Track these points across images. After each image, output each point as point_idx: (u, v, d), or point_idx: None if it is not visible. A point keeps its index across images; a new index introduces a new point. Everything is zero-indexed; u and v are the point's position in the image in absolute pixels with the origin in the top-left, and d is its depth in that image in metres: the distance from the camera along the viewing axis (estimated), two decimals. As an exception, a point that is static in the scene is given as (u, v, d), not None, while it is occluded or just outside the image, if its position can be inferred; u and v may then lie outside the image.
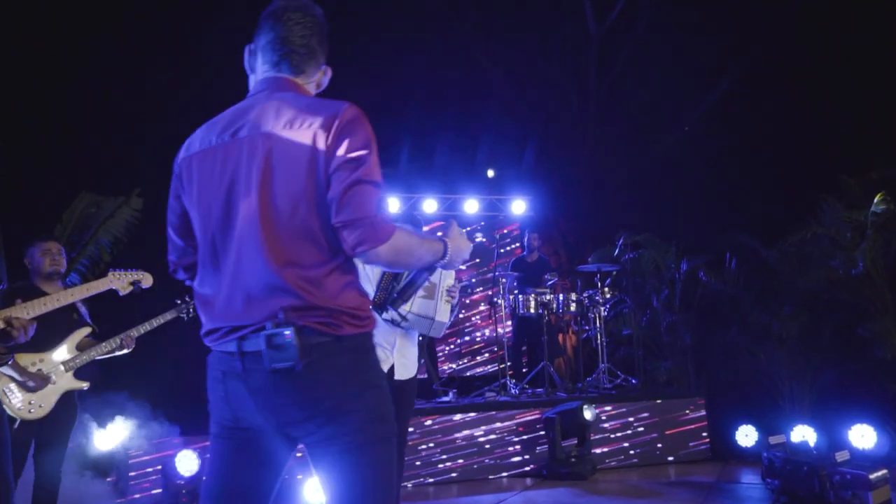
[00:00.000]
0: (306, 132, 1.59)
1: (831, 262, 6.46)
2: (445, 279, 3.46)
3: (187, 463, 5.25)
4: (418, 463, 5.70)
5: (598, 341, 7.11)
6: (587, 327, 7.45)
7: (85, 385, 3.64)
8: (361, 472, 1.60)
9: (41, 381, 3.44)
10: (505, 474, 5.83)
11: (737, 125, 9.31)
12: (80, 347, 3.64)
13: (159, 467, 5.15)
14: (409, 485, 5.60)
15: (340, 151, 1.58)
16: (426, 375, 6.92)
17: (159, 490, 5.11)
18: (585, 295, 7.06)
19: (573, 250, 9.72)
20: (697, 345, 7.37)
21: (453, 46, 10.74)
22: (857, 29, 8.53)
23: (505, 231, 9.17)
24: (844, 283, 6.38)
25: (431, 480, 5.68)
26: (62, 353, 3.58)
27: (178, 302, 4.07)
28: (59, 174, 7.11)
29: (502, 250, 7.61)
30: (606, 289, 7.12)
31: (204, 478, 1.75)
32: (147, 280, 3.66)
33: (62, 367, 3.55)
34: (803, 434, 5.61)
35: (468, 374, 8.99)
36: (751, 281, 7.19)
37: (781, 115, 8.89)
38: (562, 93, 10.79)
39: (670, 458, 6.17)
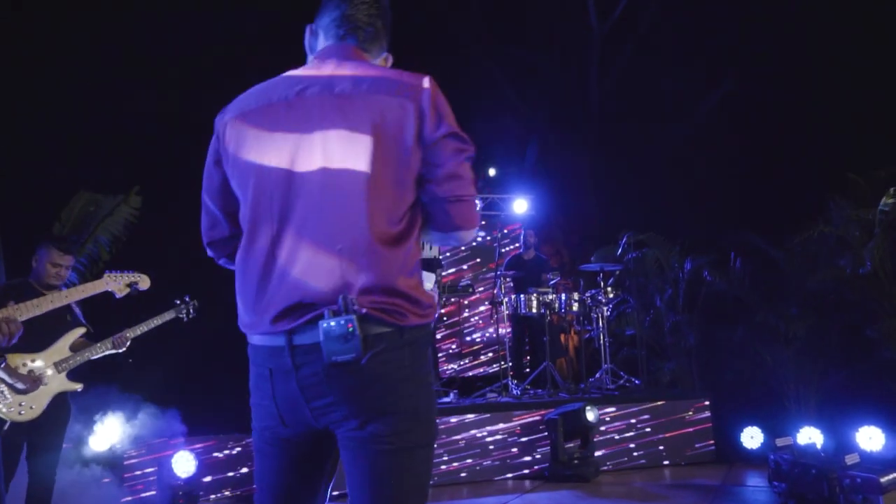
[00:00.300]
0: (394, 100, 1.49)
1: (839, 261, 6.37)
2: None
3: (184, 464, 5.18)
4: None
5: (601, 341, 7.03)
6: (589, 327, 7.37)
7: (78, 387, 3.56)
8: (400, 477, 1.48)
9: (32, 382, 3.36)
10: (507, 476, 5.74)
11: (742, 123, 9.23)
12: (74, 348, 3.57)
13: (154, 468, 5.09)
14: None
15: (443, 123, 1.50)
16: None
17: (153, 492, 5.05)
18: (588, 294, 6.97)
19: (575, 250, 9.63)
20: (701, 345, 7.28)
21: (455, 44, 10.68)
22: (864, 26, 8.44)
23: (506, 230, 9.08)
24: (852, 283, 6.29)
25: (432, 482, 5.59)
26: (55, 353, 3.50)
27: (178, 302, 4.00)
28: (58, 172, 7.05)
29: (503, 249, 7.54)
30: (609, 288, 7.04)
31: (255, 487, 1.61)
32: (144, 282, 3.58)
33: (54, 369, 3.47)
34: (810, 436, 5.51)
35: (469, 374, 8.91)
36: (756, 280, 7.10)
37: (787, 113, 8.80)
38: (564, 91, 10.72)
39: (675, 461, 6.08)
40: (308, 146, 1.49)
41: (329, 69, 1.57)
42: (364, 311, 1.41)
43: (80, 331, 3.64)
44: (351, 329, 1.38)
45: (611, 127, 10.25)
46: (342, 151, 1.47)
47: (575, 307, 6.89)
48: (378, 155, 1.46)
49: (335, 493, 4.95)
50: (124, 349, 3.69)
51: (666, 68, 9.85)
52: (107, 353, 3.64)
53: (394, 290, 1.45)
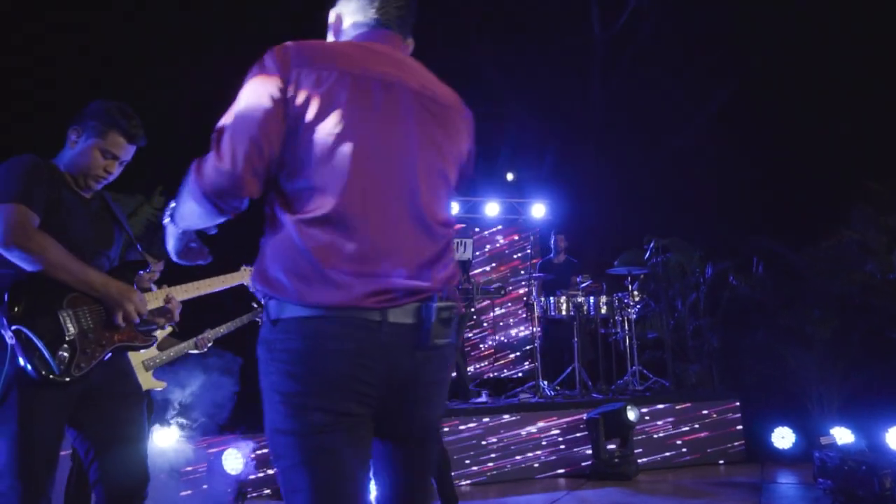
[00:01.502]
0: (455, 115, 1.65)
1: (865, 266, 6.55)
2: None
3: (233, 461, 5.22)
4: (456, 464, 5.68)
5: (627, 344, 7.16)
6: (615, 330, 7.50)
7: (162, 385, 3.58)
8: (431, 462, 1.62)
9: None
10: (547, 474, 5.83)
11: (763, 128, 9.36)
12: (161, 347, 3.59)
13: (205, 465, 5.12)
14: (461, 485, 5.58)
15: (472, 146, 1.72)
16: (458, 377, 6.91)
17: (205, 487, 5.07)
18: (615, 297, 7.10)
19: (592, 254, 9.76)
20: (724, 348, 7.43)
21: (465, 51, 10.77)
22: (886, 28, 8.54)
23: (517, 237, 9.21)
24: (876, 288, 6.47)
25: (468, 482, 5.66)
26: (144, 351, 3.51)
27: (255, 305, 4.00)
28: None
29: (530, 251, 7.68)
30: (635, 292, 7.17)
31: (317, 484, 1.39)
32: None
33: (143, 367, 3.49)
34: (841, 436, 5.67)
35: (500, 375, 8.99)
36: (778, 285, 7.26)
37: (808, 117, 8.94)
38: (581, 95, 10.86)
39: (709, 460, 6.21)
40: (408, 135, 1.52)
41: (398, 60, 1.58)
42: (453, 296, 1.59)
43: (169, 329, 3.66)
44: (455, 313, 1.56)
45: (628, 131, 10.40)
46: (438, 147, 1.58)
47: (603, 310, 7.01)
48: (454, 160, 1.64)
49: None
50: (206, 350, 3.72)
51: (683, 71, 10.00)
52: (189, 353, 3.67)
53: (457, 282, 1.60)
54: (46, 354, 2.08)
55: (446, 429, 5.71)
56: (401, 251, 1.45)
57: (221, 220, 1.54)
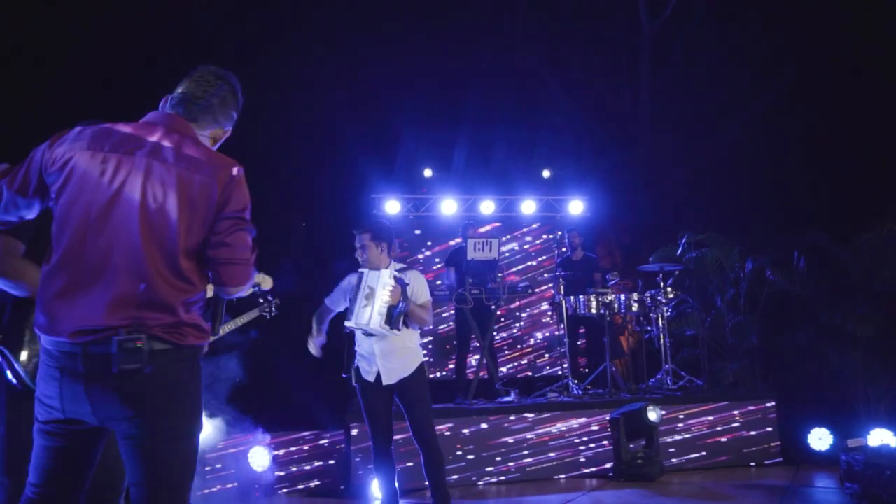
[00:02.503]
0: (203, 179, 1.90)
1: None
2: (382, 282, 3.68)
3: (260, 459, 5.42)
4: (482, 462, 5.74)
5: (661, 342, 7.02)
6: (649, 328, 7.36)
7: None
8: None
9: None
10: (570, 474, 5.81)
11: (801, 119, 9.03)
12: None
13: (233, 462, 5.34)
14: (480, 483, 5.65)
15: (229, 206, 1.93)
16: (487, 376, 6.95)
17: (234, 484, 5.29)
18: (647, 295, 6.97)
19: (630, 250, 9.60)
20: (764, 346, 7.20)
21: (507, 48, 10.74)
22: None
23: (560, 233, 9.11)
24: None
25: (495, 480, 5.70)
26: None
27: (261, 301, 4.17)
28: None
29: (563, 249, 7.59)
30: (669, 289, 7.02)
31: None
32: (267, 282, 3.68)
33: None
34: (882, 438, 5.43)
35: (529, 374, 8.99)
36: (820, 280, 6.98)
37: (849, 108, 8.57)
38: (617, 90, 10.68)
39: (740, 462, 6.04)
40: (129, 199, 1.87)
41: (157, 134, 1.95)
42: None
43: None
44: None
45: (666, 125, 10.17)
46: (160, 208, 1.88)
47: (634, 307, 6.90)
48: (187, 217, 1.89)
49: (405, 487, 5.11)
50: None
51: (721, 64, 9.72)
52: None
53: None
54: (21, 372, 2.29)
55: (468, 429, 5.77)
56: None
57: None
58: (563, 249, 7.61)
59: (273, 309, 4.16)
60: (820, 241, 6.95)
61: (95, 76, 7.09)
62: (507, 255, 9.23)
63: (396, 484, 3.97)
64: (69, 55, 7.18)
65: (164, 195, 1.87)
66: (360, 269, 3.83)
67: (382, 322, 3.65)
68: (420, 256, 9.07)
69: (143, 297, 1.82)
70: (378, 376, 3.84)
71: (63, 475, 1.93)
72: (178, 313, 1.86)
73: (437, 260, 8.97)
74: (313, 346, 3.95)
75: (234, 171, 1.96)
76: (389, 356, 3.83)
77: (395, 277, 3.72)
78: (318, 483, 5.60)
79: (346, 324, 3.77)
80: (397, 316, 3.70)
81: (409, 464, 5.29)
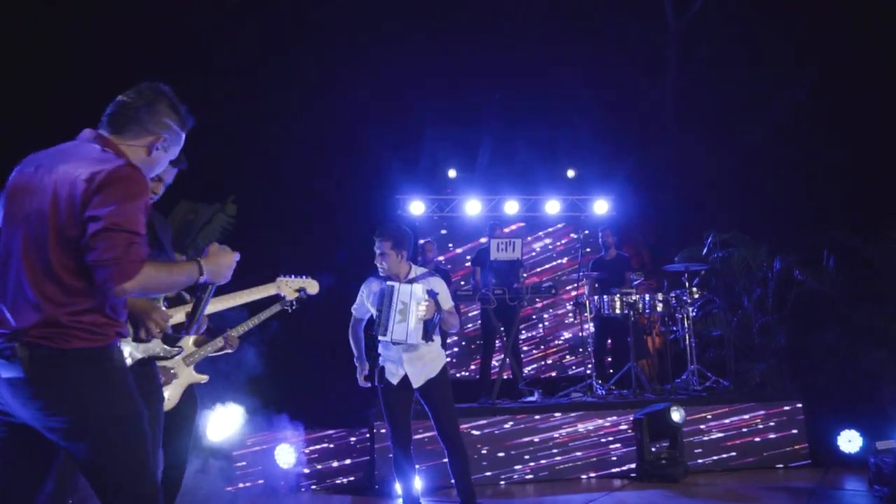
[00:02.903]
0: (73, 178, 1.91)
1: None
2: (416, 297, 3.78)
3: (286, 455, 5.51)
4: (506, 461, 5.76)
5: (686, 342, 6.96)
6: (674, 328, 7.31)
7: (205, 378, 3.84)
8: None
9: (166, 375, 3.67)
10: (594, 474, 5.81)
11: (829, 116, 8.88)
12: (198, 343, 3.87)
13: (259, 459, 5.44)
14: (503, 482, 5.68)
15: (91, 206, 1.87)
16: (511, 376, 6.97)
17: (261, 481, 5.39)
18: (672, 295, 6.92)
19: (656, 250, 9.53)
20: (792, 346, 7.10)
21: (530, 48, 10.73)
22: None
23: (587, 232, 9.09)
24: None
25: (517, 478, 5.72)
26: (184, 347, 3.79)
27: (282, 295, 4.20)
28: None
29: (588, 249, 7.57)
30: (694, 289, 6.96)
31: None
32: (313, 287, 3.68)
33: (183, 362, 3.78)
34: (912, 440, 5.33)
35: (553, 374, 8.98)
36: (849, 279, 6.87)
37: (877, 105, 8.40)
38: (642, 88, 10.61)
39: (767, 464, 5.98)
40: (32, 216, 1.96)
41: (69, 149, 2.04)
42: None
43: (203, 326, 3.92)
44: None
45: (691, 124, 10.08)
46: (52, 220, 1.94)
47: (659, 308, 6.85)
48: (58, 224, 1.93)
49: (432, 486, 5.16)
50: (234, 349, 3.97)
51: (747, 63, 9.59)
52: (221, 351, 3.93)
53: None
54: None
55: (493, 428, 5.81)
56: None
57: None
58: (588, 249, 7.59)
59: (294, 303, 4.19)
60: (849, 240, 6.84)
61: (95, 76, 7.23)
62: (534, 253, 9.22)
63: (417, 484, 4.04)
64: (69, 55, 7.32)
65: (41, 201, 1.95)
66: (389, 283, 3.90)
67: (419, 337, 3.82)
68: (442, 258, 9.09)
69: (22, 303, 1.90)
70: (403, 379, 3.93)
71: (7, 470, 1.97)
72: (59, 318, 1.89)
73: (467, 257, 8.95)
74: (361, 376, 4.09)
75: (107, 168, 1.90)
76: (416, 361, 3.93)
77: (427, 291, 3.82)
78: (346, 480, 5.68)
79: (381, 338, 3.88)
80: (433, 328, 3.86)
81: (436, 462, 5.34)
